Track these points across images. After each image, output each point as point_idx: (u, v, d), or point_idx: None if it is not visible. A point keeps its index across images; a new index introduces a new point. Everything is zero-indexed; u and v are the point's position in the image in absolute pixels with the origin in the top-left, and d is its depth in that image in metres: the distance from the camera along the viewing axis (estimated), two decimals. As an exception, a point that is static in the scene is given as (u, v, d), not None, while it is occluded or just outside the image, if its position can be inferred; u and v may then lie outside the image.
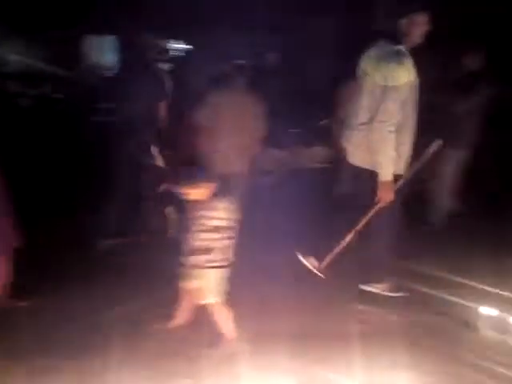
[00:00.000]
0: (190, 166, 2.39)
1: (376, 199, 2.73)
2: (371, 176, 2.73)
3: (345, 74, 3.41)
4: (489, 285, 2.95)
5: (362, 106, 2.75)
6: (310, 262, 3.02)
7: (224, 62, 3.52)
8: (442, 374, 2.28)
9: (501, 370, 2.32)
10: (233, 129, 3.34)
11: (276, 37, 5.06)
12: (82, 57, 8.52)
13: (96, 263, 3.22)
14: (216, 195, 2.32)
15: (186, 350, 2.39)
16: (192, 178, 2.29)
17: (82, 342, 2.43)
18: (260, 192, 3.78)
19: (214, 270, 2.34)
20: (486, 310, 2.67)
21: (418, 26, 2.66)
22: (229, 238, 2.35)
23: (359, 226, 2.83)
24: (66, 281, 2.91)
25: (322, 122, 4.40)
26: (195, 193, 2.30)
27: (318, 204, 3.84)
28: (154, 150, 3.53)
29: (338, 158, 3.51)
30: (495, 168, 4.22)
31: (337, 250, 2.94)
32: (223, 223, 2.31)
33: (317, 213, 3.73)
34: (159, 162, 3.52)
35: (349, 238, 2.87)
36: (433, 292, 2.95)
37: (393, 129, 2.62)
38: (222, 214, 2.30)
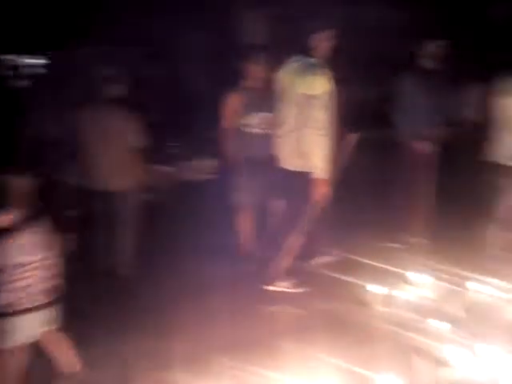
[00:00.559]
0: None
1: (311, 197, 3.00)
2: (304, 177, 3.00)
3: (228, 84, 3.51)
4: (379, 263, 3.30)
5: (289, 115, 3.04)
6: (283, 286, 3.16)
7: (92, 74, 3.39)
8: (363, 356, 2.46)
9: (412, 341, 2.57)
10: (106, 144, 3.25)
11: (155, 47, 4.99)
12: None
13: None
14: (22, 225, 2.00)
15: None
16: None
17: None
18: (149, 209, 3.69)
19: (17, 314, 2.05)
20: (380, 288, 2.99)
21: (326, 41, 3.02)
22: (39, 277, 2.07)
23: (301, 227, 3.04)
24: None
25: (207, 133, 4.44)
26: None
27: (214, 215, 3.88)
28: (72, 166, 3.30)
29: (229, 168, 3.59)
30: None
31: (283, 254, 3.10)
32: (30, 259, 2.02)
33: (215, 223, 3.78)
34: (71, 179, 3.25)
35: (292, 240, 3.06)
36: (333, 276, 3.23)
37: (323, 133, 2.94)
38: (28, 248, 2.01)
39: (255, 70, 3.44)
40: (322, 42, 3.04)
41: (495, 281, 2.97)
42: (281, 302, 3.04)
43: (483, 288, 2.95)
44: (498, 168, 3.08)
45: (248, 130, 3.48)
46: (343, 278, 3.19)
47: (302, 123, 2.97)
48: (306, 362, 2.42)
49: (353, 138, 3.49)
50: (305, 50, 3.05)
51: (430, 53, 3.57)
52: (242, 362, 2.41)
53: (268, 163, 3.43)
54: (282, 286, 3.17)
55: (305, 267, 3.34)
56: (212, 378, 2.35)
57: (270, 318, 2.89)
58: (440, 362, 2.45)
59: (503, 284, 2.94)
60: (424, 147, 3.64)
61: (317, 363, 2.40)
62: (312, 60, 3.01)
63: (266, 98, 3.42)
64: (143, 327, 2.72)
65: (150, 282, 3.22)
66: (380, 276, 3.15)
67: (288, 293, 3.14)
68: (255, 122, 3.45)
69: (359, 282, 3.11)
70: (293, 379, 2.31)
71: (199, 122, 4.64)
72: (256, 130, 3.46)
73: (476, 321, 2.72)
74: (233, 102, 3.50)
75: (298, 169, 3.05)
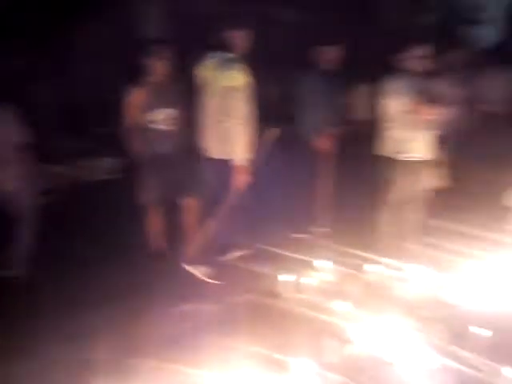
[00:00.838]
0: None
1: (232, 184, 3.18)
2: (227, 165, 3.18)
3: (130, 80, 3.41)
4: (287, 252, 3.47)
5: (212, 107, 3.20)
6: (200, 271, 3.27)
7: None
8: (280, 342, 2.55)
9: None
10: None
11: (49, 42, 4.63)
12: None
13: None
14: None
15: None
16: None
17: None
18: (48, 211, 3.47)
19: None
20: (289, 277, 3.14)
21: (241, 38, 3.18)
22: None
23: (220, 214, 3.19)
24: None
25: (109, 131, 4.25)
26: None
27: (119, 215, 3.75)
28: None
29: (135, 166, 3.50)
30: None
31: (201, 238, 3.25)
32: None
33: (122, 224, 3.65)
34: None
35: (211, 226, 3.22)
36: (246, 268, 3.33)
37: (245, 122, 3.12)
38: None
39: (158, 66, 3.38)
40: (237, 39, 3.18)
41: (389, 260, 3.30)
42: (196, 298, 3.04)
43: (379, 268, 3.26)
44: (386, 161, 3.43)
45: (153, 126, 3.42)
46: (255, 269, 3.32)
47: (224, 114, 3.14)
48: (227, 354, 2.46)
49: (272, 133, 3.64)
50: (220, 47, 3.17)
51: (328, 54, 3.82)
52: (163, 362, 2.38)
53: (174, 159, 3.42)
54: (197, 271, 3.25)
55: (219, 261, 3.40)
56: (135, 380, 2.29)
57: (187, 314, 2.88)
58: (345, 340, 2.66)
59: (396, 263, 3.28)
60: (323, 144, 3.90)
61: (237, 354, 2.45)
62: (230, 55, 3.17)
63: (170, 94, 3.40)
64: (50, 333, 2.57)
65: (52, 286, 3.04)
66: (289, 265, 3.31)
67: (203, 288, 3.17)
68: (160, 119, 3.41)
69: (270, 272, 3.24)
70: (215, 372, 2.34)
71: (100, 119, 4.44)
72: (161, 127, 3.42)
73: (375, 299, 3.01)
74: (136, 99, 3.41)
75: (222, 157, 3.23)
